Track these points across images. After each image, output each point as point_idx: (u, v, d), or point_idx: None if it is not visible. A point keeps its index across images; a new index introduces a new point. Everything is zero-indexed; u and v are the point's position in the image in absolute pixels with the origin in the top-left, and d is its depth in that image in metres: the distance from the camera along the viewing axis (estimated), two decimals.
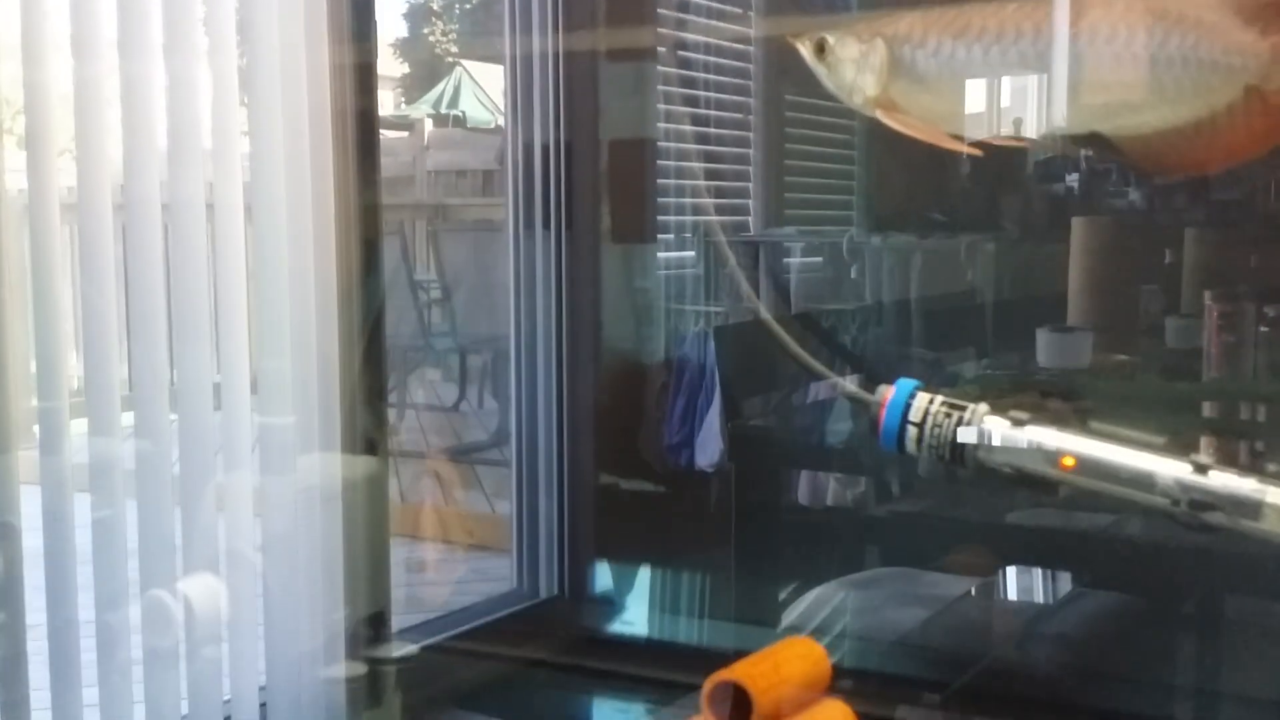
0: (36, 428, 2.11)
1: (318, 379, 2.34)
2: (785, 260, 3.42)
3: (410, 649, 2.70)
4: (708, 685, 1.26)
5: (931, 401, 1.25)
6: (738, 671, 1.25)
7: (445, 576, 3.55)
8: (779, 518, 2.80)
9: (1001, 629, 2.77)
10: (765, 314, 3.09)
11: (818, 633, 2.56)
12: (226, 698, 2.25)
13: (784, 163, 3.69)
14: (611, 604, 3.10)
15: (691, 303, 3.29)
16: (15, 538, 2.03)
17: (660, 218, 3.40)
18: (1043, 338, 2.56)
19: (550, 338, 3.13)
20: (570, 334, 3.10)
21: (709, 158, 3.57)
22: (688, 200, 3.48)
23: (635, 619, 3.08)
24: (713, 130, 3.59)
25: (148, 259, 2.12)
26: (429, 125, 6.80)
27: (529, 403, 3.13)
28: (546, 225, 3.10)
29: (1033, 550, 2.63)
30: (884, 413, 1.26)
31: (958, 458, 1.23)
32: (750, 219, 3.64)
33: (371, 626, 2.49)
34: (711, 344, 3.14)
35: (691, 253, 3.36)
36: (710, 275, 3.31)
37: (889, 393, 1.27)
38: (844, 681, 1.36)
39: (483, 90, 8.09)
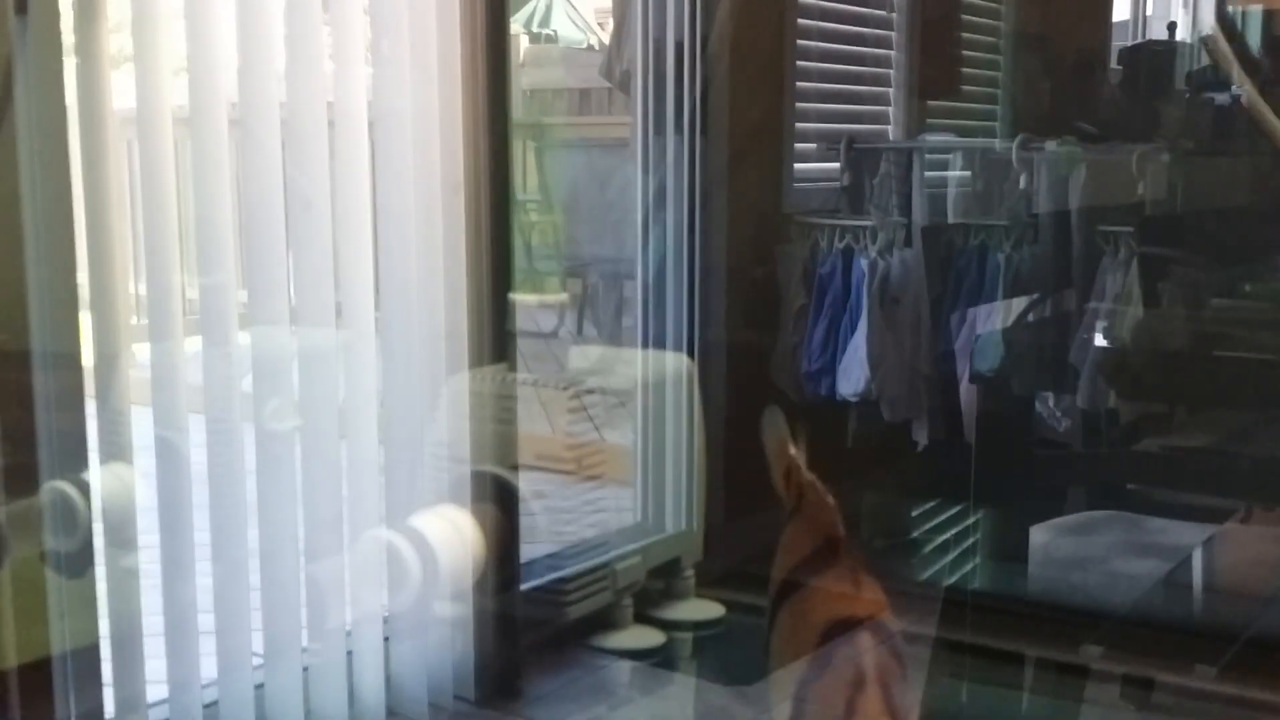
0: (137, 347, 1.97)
1: (445, 308, 2.18)
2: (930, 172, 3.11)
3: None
4: None
5: None
6: None
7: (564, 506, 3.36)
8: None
9: None
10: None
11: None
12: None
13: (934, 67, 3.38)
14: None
15: (834, 217, 3.01)
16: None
17: (800, 125, 3.12)
18: None
19: (681, 254, 2.89)
20: (703, 250, 2.86)
21: (850, 59, 3.28)
22: (831, 105, 3.20)
23: None
24: (853, 29, 3.30)
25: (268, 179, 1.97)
26: (524, 43, 6.55)
27: (656, 326, 2.91)
28: (679, 130, 2.85)
29: None
30: None
31: None
32: (890, 128, 3.36)
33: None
34: (860, 261, 2.87)
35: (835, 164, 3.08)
36: (858, 186, 3.03)
37: None
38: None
39: (575, 9, 7.81)
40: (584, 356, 4.90)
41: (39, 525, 1.73)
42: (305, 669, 2.10)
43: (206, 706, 1.99)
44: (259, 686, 2.06)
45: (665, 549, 2.81)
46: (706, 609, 2.76)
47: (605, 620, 2.64)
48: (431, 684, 2.24)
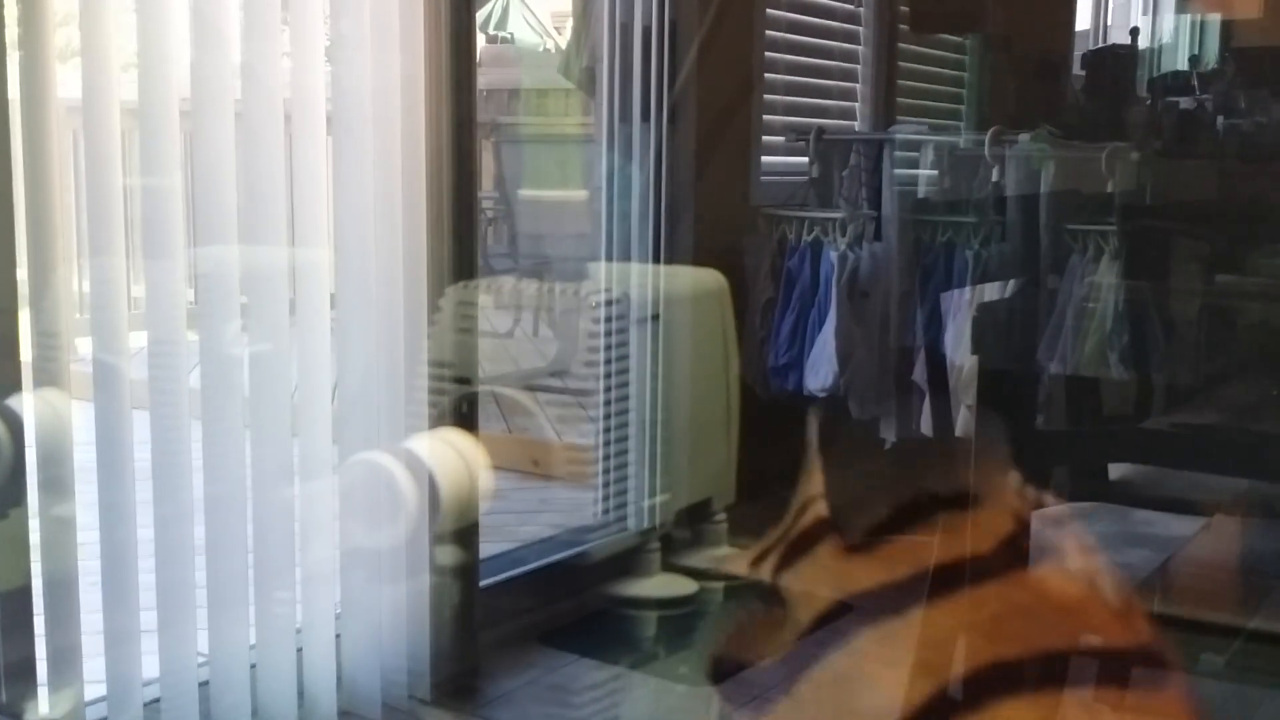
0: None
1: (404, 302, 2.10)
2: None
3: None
4: None
5: None
6: None
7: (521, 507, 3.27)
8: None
9: None
10: None
11: None
12: None
13: (897, 61, 3.35)
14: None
15: (801, 209, 2.96)
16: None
17: (766, 117, 3.07)
18: None
19: (645, 247, 2.82)
20: (669, 243, 2.79)
21: (818, 52, 3.23)
22: (797, 99, 3.15)
23: None
24: (820, 22, 3.25)
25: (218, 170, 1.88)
26: (480, 44, 6.51)
27: (618, 322, 2.83)
28: (645, 120, 2.78)
29: None
30: None
31: None
32: (856, 123, 3.32)
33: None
34: (829, 254, 2.82)
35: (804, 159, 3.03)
36: (826, 178, 2.98)
37: None
38: None
39: (531, 11, 7.78)
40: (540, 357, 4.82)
41: None
42: (253, 666, 2.00)
43: (147, 705, 1.89)
44: (203, 684, 1.96)
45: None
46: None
47: (629, 567, 2.45)
48: (385, 682, 2.15)
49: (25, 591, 1.77)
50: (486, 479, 2.05)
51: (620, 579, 2.55)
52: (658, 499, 2.59)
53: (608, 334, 2.62)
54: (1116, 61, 3.86)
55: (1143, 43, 4.06)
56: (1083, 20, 4.43)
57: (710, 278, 2.65)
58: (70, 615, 1.82)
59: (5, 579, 1.74)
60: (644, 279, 2.64)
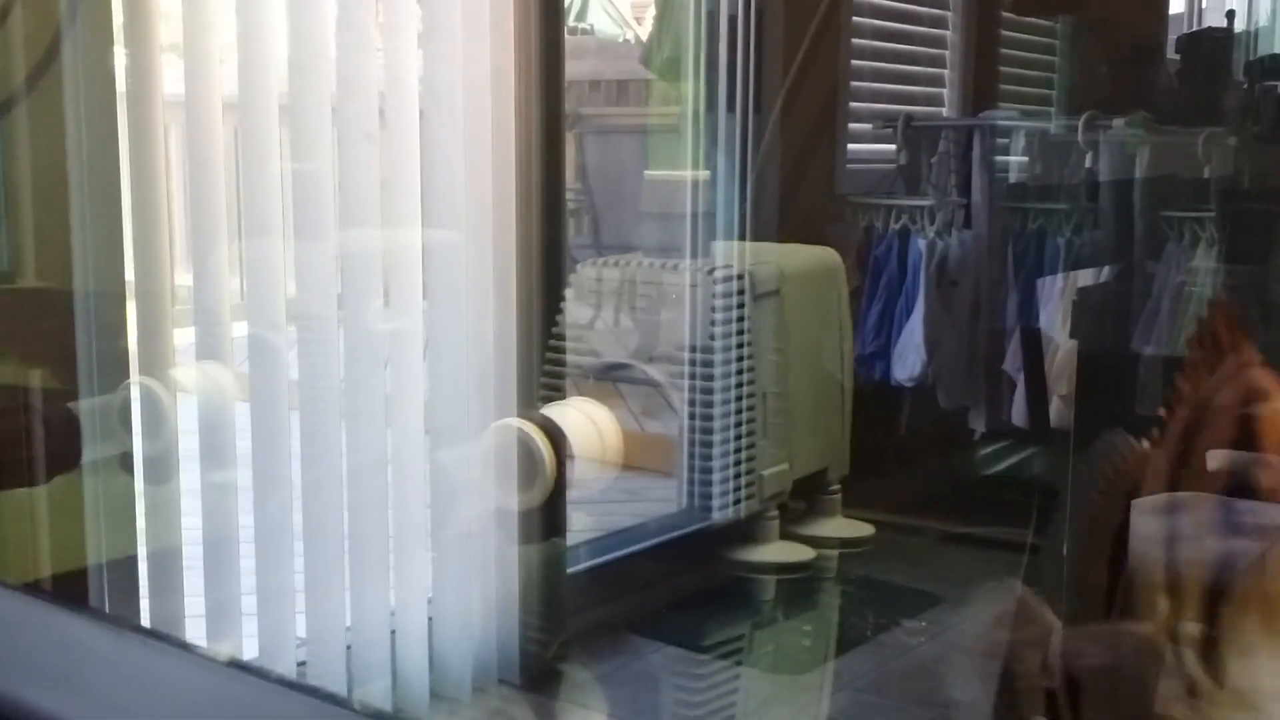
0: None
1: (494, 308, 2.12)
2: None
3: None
4: None
5: None
6: None
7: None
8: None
9: None
10: None
11: None
12: None
13: (986, 46, 3.29)
14: None
15: (889, 197, 2.93)
16: None
17: (853, 104, 3.04)
18: None
19: (731, 238, 2.82)
20: (755, 233, 2.78)
21: (906, 38, 3.20)
22: (885, 85, 3.12)
23: None
24: (908, 7, 3.22)
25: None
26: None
27: (704, 311, 2.83)
28: (731, 110, 2.78)
29: None
30: None
31: None
32: (944, 109, 3.27)
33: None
34: (917, 242, 2.79)
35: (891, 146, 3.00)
36: (914, 165, 2.94)
37: None
38: None
39: (611, 3, 7.79)
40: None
41: None
42: (348, 648, 2.04)
43: None
44: (301, 664, 2.01)
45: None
46: (854, 528, 2.68)
47: (750, 534, 2.53)
48: (476, 666, 2.18)
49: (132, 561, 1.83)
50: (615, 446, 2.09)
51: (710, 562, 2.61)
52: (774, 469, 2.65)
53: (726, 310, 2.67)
54: (1212, 45, 3.76)
55: (1239, 25, 3.95)
56: (1177, 2, 4.33)
57: (827, 256, 2.71)
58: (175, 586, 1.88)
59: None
60: (758, 257, 2.68)
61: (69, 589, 1.71)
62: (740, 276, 2.55)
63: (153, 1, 1.80)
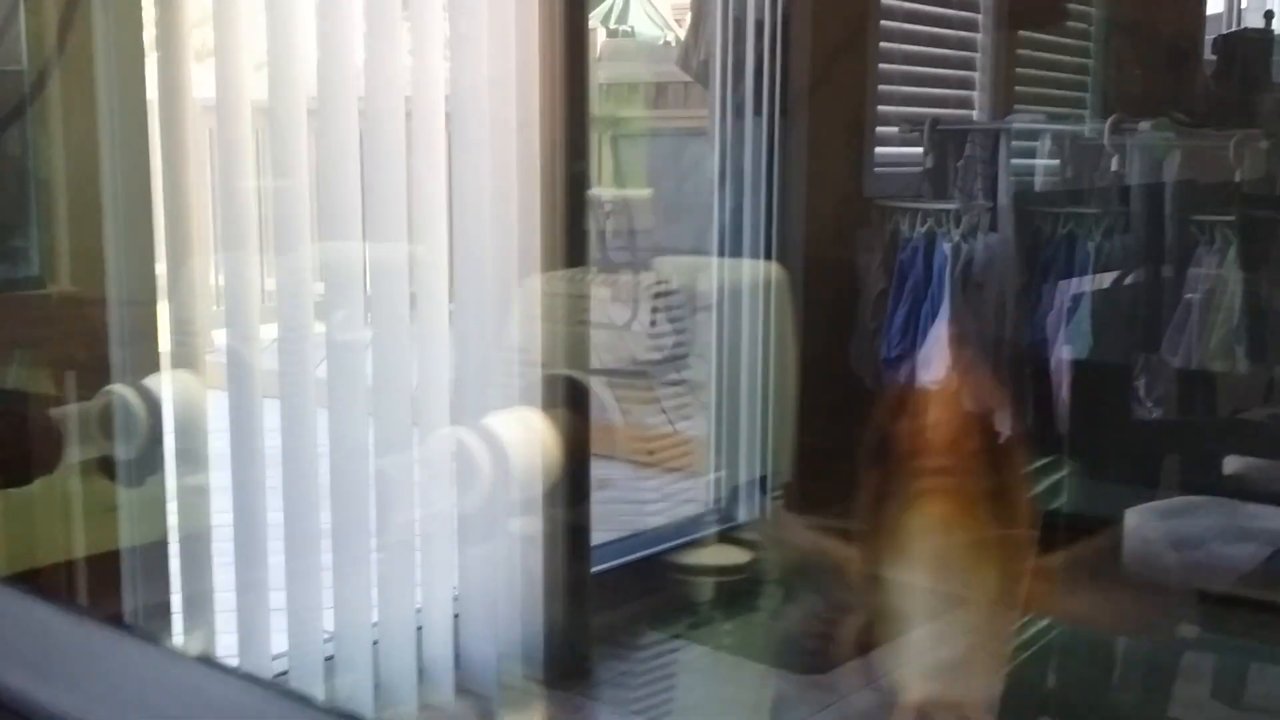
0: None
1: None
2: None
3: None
4: None
5: None
6: None
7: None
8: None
9: None
10: None
11: None
12: None
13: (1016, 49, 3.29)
14: None
15: (915, 200, 2.93)
16: None
17: (880, 107, 3.05)
18: None
19: (758, 239, 2.84)
20: (781, 235, 2.80)
21: (935, 41, 3.20)
22: (913, 89, 3.12)
23: None
24: (938, 10, 3.22)
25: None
26: (601, 37, 6.55)
27: (731, 314, 2.85)
28: (759, 113, 2.80)
29: None
30: None
31: None
32: (974, 113, 3.27)
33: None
34: (943, 245, 2.79)
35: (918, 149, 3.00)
36: (941, 169, 2.94)
37: None
38: None
39: (652, 5, 7.79)
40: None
41: None
42: (375, 643, 2.08)
43: (275, 677, 1.98)
44: (329, 659, 2.05)
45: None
46: None
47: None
48: (501, 663, 2.21)
49: (161, 546, 1.87)
50: (555, 456, 2.12)
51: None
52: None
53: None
54: (1249, 46, 3.73)
55: (1278, 26, 3.91)
56: (1215, 3, 4.29)
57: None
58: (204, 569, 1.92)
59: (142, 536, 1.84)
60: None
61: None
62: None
63: (183, 7, 1.84)
